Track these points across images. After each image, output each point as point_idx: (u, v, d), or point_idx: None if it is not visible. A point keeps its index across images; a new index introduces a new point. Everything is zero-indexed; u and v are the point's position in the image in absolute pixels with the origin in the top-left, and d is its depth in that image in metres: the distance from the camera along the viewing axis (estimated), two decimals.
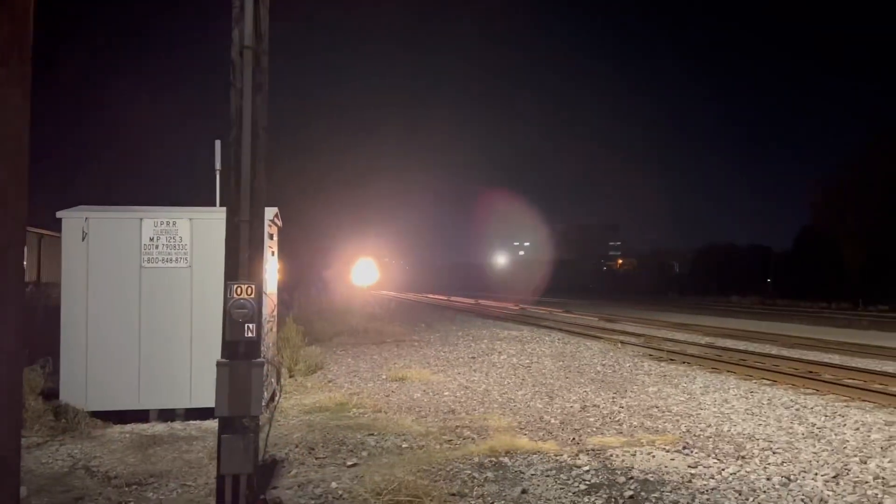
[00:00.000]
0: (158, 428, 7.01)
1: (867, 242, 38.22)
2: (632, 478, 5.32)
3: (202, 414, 7.20)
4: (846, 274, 39.04)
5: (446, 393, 9.09)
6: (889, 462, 5.75)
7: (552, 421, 7.42)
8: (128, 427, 7.00)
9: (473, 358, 12.53)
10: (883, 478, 5.32)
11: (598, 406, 8.22)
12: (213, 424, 6.59)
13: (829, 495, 4.92)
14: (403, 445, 6.34)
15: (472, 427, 7.08)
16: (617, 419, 7.50)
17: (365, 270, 44.80)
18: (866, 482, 5.22)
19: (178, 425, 7.13)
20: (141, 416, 7.26)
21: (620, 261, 73.01)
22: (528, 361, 12.10)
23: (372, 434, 6.74)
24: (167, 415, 7.33)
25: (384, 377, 10.38)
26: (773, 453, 6.05)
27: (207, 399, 6.38)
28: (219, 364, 4.42)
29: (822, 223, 43.09)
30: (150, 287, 7.27)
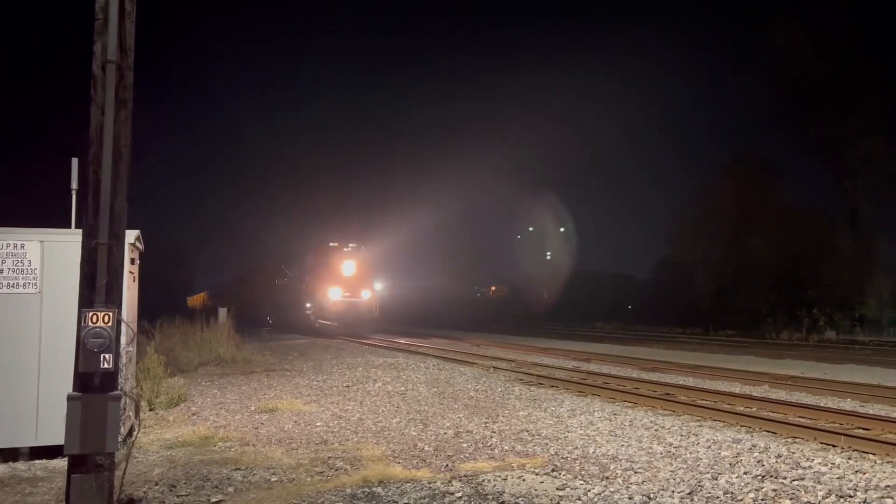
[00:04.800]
0: None
1: (716, 272, 41.23)
2: (503, 502, 5.40)
3: (51, 452, 6.63)
4: (699, 301, 41.88)
5: (319, 423, 8.89)
6: (737, 477, 6.17)
7: (426, 448, 7.42)
8: None
9: (348, 387, 12.35)
10: (732, 492, 5.69)
11: (472, 431, 8.31)
12: (62, 463, 6.08)
13: None
14: (273, 479, 6.12)
15: (344, 457, 6.95)
16: (489, 444, 7.61)
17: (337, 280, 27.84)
18: (717, 497, 5.57)
19: (21, 465, 6.53)
20: None
21: (493, 287, 74.59)
22: (403, 388, 12.07)
23: (239, 468, 6.46)
24: (9, 454, 6.68)
25: (253, 409, 10.01)
26: (635, 473, 6.33)
27: (57, 436, 5.90)
28: (70, 398, 4.11)
29: (678, 253, 46.13)
30: None
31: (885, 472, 6.34)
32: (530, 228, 72.46)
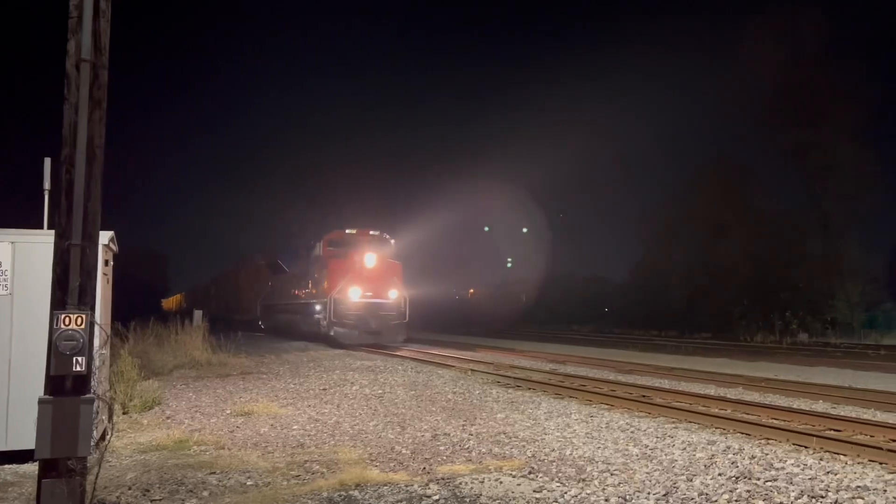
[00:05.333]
0: None
1: (691, 275, 41.70)
2: None
3: (21, 457, 6.51)
4: (674, 304, 42.30)
5: (295, 427, 8.83)
6: (711, 479, 6.23)
7: (403, 451, 7.40)
8: None
9: (325, 389, 12.29)
10: (706, 493, 5.75)
11: (449, 434, 8.31)
12: (32, 468, 5.98)
13: None
14: (248, 483, 6.06)
15: (321, 461, 6.91)
16: (466, 447, 7.61)
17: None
18: (692, 499, 5.62)
19: None
20: None
21: (472, 290, 74.62)
22: (380, 391, 12.04)
23: (214, 472, 6.40)
24: None
25: (228, 412, 9.92)
26: (611, 475, 6.37)
27: (28, 440, 5.80)
28: (41, 401, 4.05)
29: (652, 257, 46.57)
30: None
31: (855, 473, 6.44)
32: (486, 229, 72.42)
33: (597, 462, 6.87)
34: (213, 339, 18.93)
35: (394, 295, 23.38)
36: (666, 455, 7.20)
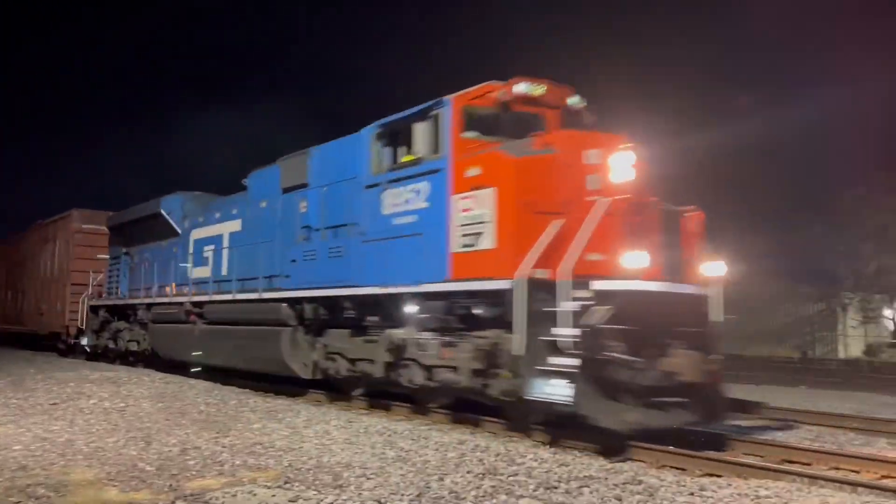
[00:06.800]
0: None
1: None
2: None
3: None
4: None
5: (17, 447, 7.78)
6: (461, 477, 6.56)
7: (147, 468, 6.85)
8: None
9: (55, 404, 10.98)
10: (456, 492, 6.05)
11: (200, 448, 7.86)
12: None
13: None
14: None
15: (48, 484, 6.16)
16: (219, 460, 7.25)
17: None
18: (443, 497, 5.88)
19: None
20: None
21: None
22: (122, 405, 11.03)
23: None
24: None
25: None
26: (368, 479, 6.45)
27: None
28: None
29: None
30: None
31: (583, 465, 7.19)
32: None
33: (354, 467, 6.92)
34: None
35: (719, 271, 8.35)
36: (420, 456, 7.46)
